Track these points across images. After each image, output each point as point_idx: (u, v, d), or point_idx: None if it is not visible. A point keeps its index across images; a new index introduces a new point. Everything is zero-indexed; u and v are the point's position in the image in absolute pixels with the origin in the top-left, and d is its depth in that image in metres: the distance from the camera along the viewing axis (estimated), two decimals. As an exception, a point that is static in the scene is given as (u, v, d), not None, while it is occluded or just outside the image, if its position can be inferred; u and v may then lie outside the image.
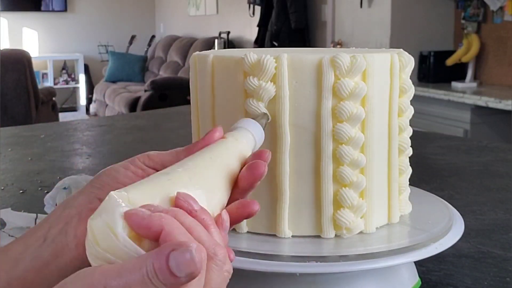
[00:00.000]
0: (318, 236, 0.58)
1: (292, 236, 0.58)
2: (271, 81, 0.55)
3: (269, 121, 0.55)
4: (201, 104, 0.63)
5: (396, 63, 0.59)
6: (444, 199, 0.70)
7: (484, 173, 1.17)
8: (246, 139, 0.47)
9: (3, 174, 1.17)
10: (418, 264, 0.63)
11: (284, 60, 0.55)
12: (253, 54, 0.56)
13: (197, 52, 0.64)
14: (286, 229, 0.57)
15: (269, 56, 0.55)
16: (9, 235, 0.72)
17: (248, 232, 0.59)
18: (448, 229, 0.60)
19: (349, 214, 0.57)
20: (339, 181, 0.57)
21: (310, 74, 0.55)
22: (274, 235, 0.58)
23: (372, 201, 0.58)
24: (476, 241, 0.78)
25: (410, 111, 0.63)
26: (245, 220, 0.57)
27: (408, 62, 0.61)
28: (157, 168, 0.46)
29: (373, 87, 0.57)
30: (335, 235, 0.57)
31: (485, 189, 1.06)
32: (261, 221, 0.58)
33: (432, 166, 1.22)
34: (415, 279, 0.62)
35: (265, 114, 0.55)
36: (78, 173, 1.17)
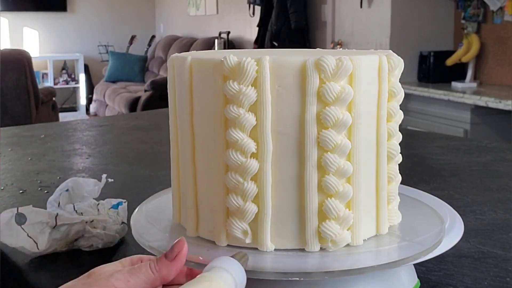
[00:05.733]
0: (303, 250, 0.54)
1: (275, 249, 0.55)
2: (252, 86, 0.52)
3: (248, 260, 0.49)
4: (179, 110, 0.60)
5: (385, 66, 0.56)
6: (444, 199, 0.69)
7: (484, 173, 1.17)
8: (224, 282, 0.43)
9: (3, 174, 1.17)
10: (418, 264, 0.63)
11: (266, 63, 0.52)
12: (233, 57, 0.52)
13: (175, 54, 0.60)
14: (269, 242, 0.54)
15: (250, 58, 0.52)
16: (27, 235, 0.72)
17: (228, 245, 0.56)
18: (439, 241, 0.56)
19: (335, 226, 0.54)
20: (324, 191, 0.54)
21: (294, 78, 0.52)
22: (256, 249, 0.55)
23: (359, 212, 0.55)
24: (476, 241, 0.78)
25: (400, 115, 0.60)
26: (225, 233, 0.55)
27: (397, 65, 0.58)
28: None
29: (360, 91, 0.54)
30: (320, 248, 0.54)
31: (485, 189, 1.06)
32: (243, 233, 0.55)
33: (432, 166, 1.22)
34: (414, 280, 0.61)
35: (244, 253, 0.49)
36: (78, 173, 1.17)
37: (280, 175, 0.54)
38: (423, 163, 1.23)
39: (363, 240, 0.56)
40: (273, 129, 0.53)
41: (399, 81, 0.60)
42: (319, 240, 0.54)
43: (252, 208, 0.54)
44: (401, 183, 0.71)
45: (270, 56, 0.52)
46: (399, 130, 0.61)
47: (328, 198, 0.54)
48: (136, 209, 0.67)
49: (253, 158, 0.53)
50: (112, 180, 0.87)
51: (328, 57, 0.52)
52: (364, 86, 0.54)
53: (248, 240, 0.55)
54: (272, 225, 0.54)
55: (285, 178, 0.54)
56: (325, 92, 0.52)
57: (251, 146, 0.53)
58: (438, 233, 0.58)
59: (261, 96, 0.52)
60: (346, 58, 0.52)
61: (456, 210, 0.66)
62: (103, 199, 0.83)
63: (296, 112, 0.53)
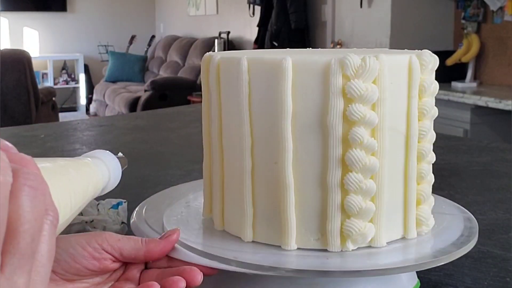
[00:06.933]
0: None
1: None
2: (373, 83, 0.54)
3: (125, 167, 0.54)
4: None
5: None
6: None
7: (484, 173, 1.16)
8: (100, 172, 0.47)
9: (3, 174, 1.17)
10: (418, 264, 0.63)
11: (385, 61, 0.53)
12: (355, 56, 0.53)
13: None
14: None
15: (372, 56, 0.53)
16: None
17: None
18: (465, 249, 0.57)
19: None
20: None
21: (402, 74, 0.55)
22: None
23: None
24: (476, 241, 0.78)
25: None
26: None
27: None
28: (114, 255, 0.48)
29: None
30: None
31: (485, 189, 1.05)
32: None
33: (432, 166, 1.22)
34: (414, 280, 0.61)
35: (123, 158, 0.54)
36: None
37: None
38: (423, 163, 1.23)
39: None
40: (389, 126, 0.55)
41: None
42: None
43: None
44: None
45: (385, 55, 0.54)
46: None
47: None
48: (136, 208, 0.67)
49: (373, 156, 0.54)
50: (112, 180, 0.87)
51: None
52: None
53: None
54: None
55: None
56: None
57: (374, 145, 0.54)
58: (466, 237, 0.59)
59: (381, 93, 0.54)
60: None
61: (456, 210, 0.66)
62: (103, 199, 0.83)
63: (404, 106, 0.56)
